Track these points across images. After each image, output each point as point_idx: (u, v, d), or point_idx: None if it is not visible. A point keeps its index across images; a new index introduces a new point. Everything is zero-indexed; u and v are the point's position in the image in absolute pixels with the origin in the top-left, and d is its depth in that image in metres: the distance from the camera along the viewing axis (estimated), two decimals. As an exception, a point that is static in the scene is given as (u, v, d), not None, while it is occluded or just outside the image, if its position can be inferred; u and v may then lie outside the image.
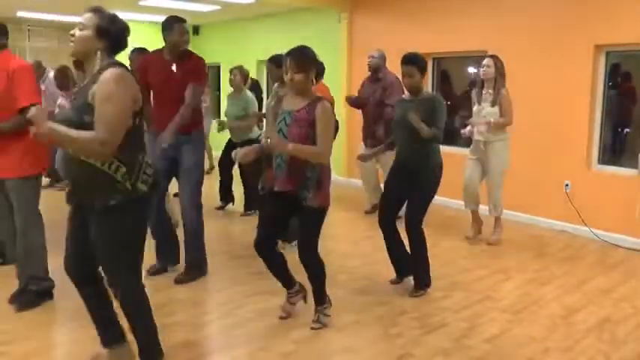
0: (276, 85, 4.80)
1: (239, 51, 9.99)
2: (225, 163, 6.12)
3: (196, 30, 11.30)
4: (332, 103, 3.66)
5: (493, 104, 4.88)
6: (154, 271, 4.14)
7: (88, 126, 2.27)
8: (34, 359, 2.89)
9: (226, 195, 6.42)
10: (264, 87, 9.60)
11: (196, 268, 4.10)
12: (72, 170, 2.44)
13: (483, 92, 4.98)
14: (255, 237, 3.24)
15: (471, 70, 7.12)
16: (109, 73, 2.29)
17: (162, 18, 3.99)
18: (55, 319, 3.37)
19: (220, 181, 6.36)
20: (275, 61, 4.63)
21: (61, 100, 6.23)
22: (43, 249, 3.50)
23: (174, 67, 3.88)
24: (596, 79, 5.51)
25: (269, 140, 3.06)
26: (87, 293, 2.64)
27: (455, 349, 3.10)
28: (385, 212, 3.98)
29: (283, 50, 3.21)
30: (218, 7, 8.87)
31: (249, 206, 6.16)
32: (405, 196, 3.90)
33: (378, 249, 4.82)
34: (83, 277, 2.60)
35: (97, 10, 2.39)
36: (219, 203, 6.41)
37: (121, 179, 2.37)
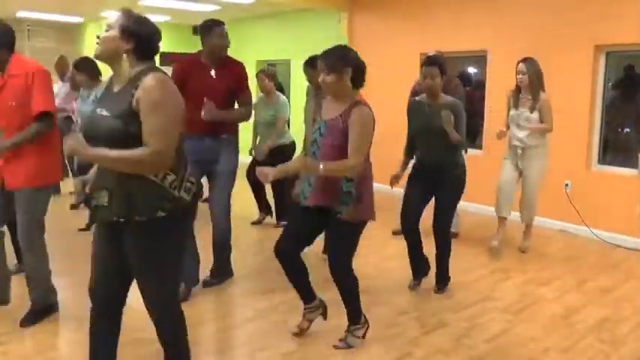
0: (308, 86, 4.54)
1: (239, 51, 9.97)
2: (255, 173, 5.66)
3: (196, 30, 11.31)
4: None
5: (532, 110, 4.65)
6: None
7: (133, 136, 2.08)
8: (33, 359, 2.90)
9: (263, 206, 5.87)
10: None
11: (225, 271, 4.04)
12: (108, 180, 2.16)
13: (520, 97, 4.74)
14: (277, 244, 3.00)
15: (472, 70, 7.12)
16: (153, 79, 2.10)
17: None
18: (54, 320, 3.36)
19: (254, 194, 5.80)
20: (312, 64, 4.26)
21: (80, 105, 5.44)
22: (47, 265, 3.29)
23: (213, 73, 3.74)
24: (596, 79, 5.52)
25: (297, 163, 2.81)
26: (101, 328, 2.35)
27: (455, 348, 3.11)
28: (412, 219, 3.85)
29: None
30: (218, 7, 8.87)
31: (281, 216, 5.69)
32: (429, 200, 3.82)
33: (377, 249, 4.83)
34: (107, 306, 2.34)
35: (124, 11, 2.22)
36: (256, 217, 5.90)
37: (169, 188, 2.17)
